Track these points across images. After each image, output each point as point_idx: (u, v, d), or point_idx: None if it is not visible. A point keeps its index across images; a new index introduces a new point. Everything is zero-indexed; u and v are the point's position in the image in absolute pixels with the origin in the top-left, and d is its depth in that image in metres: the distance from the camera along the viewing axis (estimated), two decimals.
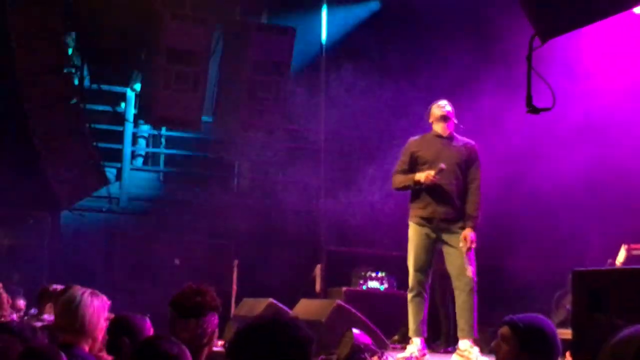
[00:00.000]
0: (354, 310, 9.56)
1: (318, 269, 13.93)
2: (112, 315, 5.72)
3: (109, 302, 5.60)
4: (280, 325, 3.47)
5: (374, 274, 13.36)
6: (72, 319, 5.35)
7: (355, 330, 8.59)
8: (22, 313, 10.22)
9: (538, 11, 5.71)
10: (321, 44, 15.23)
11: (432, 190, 9.12)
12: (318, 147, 15.57)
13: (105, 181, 14.48)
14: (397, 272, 13.59)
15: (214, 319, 5.41)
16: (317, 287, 13.83)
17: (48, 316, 8.09)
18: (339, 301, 9.91)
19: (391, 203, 14.46)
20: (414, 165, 9.28)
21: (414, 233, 9.28)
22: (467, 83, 13.98)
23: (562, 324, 10.79)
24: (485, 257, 10.46)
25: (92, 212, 14.84)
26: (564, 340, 5.19)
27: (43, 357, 4.49)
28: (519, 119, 9.81)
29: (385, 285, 13.33)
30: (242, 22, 15.09)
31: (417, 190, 9.23)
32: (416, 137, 9.49)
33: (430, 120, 9.42)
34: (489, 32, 13.27)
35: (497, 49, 12.83)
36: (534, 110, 5.76)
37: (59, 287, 8.44)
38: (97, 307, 5.43)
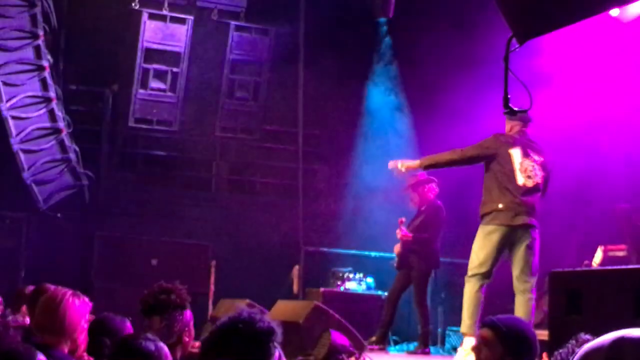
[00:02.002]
0: (331, 312, 9.54)
1: (296, 270, 13.92)
2: (92, 317, 5.68)
3: (90, 304, 5.55)
4: (236, 323, 3.49)
5: (351, 275, 13.37)
6: (52, 319, 5.28)
7: (332, 332, 8.58)
8: None
9: (515, 12, 5.72)
10: (299, 43, 15.21)
11: None
12: (296, 148, 15.56)
13: (82, 182, 14.41)
14: (375, 273, 13.64)
15: (181, 317, 5.37)
16: (295, 288, 13.81)
17: (22, 318, 8.04)
18: (316, 302, 9.90)
19: (372, 203, 14.52)
20: None
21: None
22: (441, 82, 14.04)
23: (538, 326, 10.81)
24: (460, 256, 10.50)
25: (69, 213, 14.75)
26: (540, 342, 5.19)
27: (19, 358, 4.45)
28: (498, 121, 9.82)
29: (363, 286, 13.34)
30: (220, 21, 15.05)
31: None
32: None
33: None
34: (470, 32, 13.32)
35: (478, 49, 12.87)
36: (510, 111, 5.77)
37: (30, 287, 8.40)
38: (78, 308, 5.37)
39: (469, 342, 8.99)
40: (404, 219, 11.74)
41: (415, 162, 9.64)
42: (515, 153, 9.25)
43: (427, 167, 9.72)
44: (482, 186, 9.46)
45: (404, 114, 15.74)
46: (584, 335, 4.64)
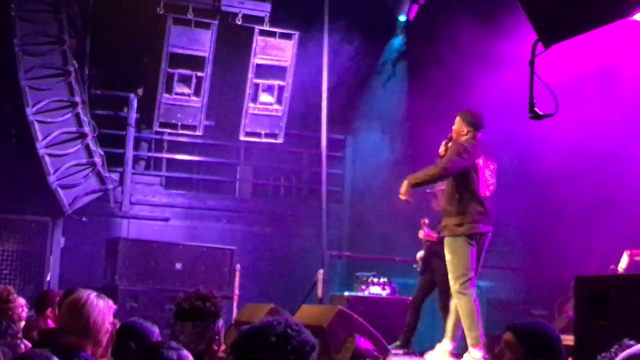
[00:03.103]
0: (355, 316, 9.53)
1: (320, 274, 13.91)
2: (116, 321, 5.70)
3: (114, 307, 5.56)
4: (282, 329, 3.46)
5: (375, 280, 13.34)
6: (77, 320, 5.30)
7: (357, 336, 8.57)
8: (24, 316, 10.21)
9: (541, 16, 5.71)
10: (323, 46, 15.23)
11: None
12: (320, 152, 15.56)
13: (107, 186, 14.47)
14: (399, 277, 13.62)
15: (213, 326, 5.38)
16: (319, 292, 13.80)
17: (45, 321, 8.08)
18: (340, 307, 9.88)
19: (395, 207, 14.48)
20: None
21: None
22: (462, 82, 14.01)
23: (563, 330, 10.77)
24: (483, 261, 10.47)
25: (94, 217, 14.82)
26: (566, 347, 5.17)
27: None
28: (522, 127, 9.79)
29: (387, 291, 13.31)
30: (244, 26, 15.08)
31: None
32: None
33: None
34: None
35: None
36: (536, 116, 5.75)
37: (59, 291, 8.43)
38: (102, 310, 5.38)
39: (477, 353, 9.08)
40: (426, 221, 11.72)
41: (404, 184, 9.54)
42: (480, 162, 9.45)
43: (414, 186, 9.60)
44: (448, 195, 9.56)
45: (425, 116, 15.70)
46: (628, 341, 4.61)
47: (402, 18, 15.67)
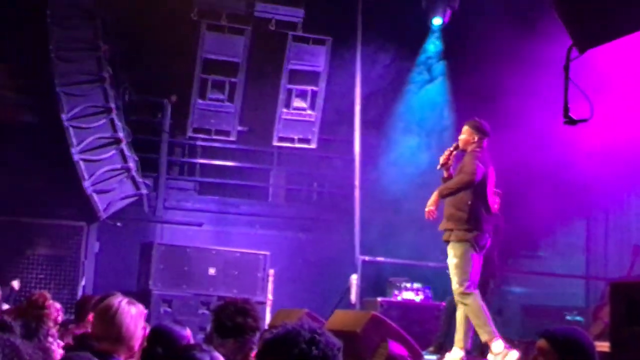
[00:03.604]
0: (389, 321, 9.51)
1: (353, 280, 13.90)
2: (146, 325, 5.71)
3: (145, 311, 5.58)
4: (309, 335, 3.45)
5: (409, 285, 13.32)
6: (109, 327, 5.32)
7: (390, 342, 8.55)
8: (59, 321, 10.27)
9: (575, 21, 5.68)
10: (356, 51, 15.23)
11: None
12: (353, 157, 15.56)
13: (141, 191, 14.54)
14: (432, 282, 13.57)
15: (253, 339, 5.39)
16: (353, 297, 13.79)
17: (85, 327, 8.12)
18: (374, 312, 9.87)
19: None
20: None
21: None
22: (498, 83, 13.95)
23: (599, 337, 10.69)
24: (511, 266, 10.45)
25: (129, 222, 14.91)
26: (602, 354, 5.14)
27: None
28: (555, 130, 9.75)
29: (421, 296, 13.28)
30: (277, 32, 15.12)
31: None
32: None
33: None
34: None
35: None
36: (571, 121, 5.72)
37: (96, 296, 8.47)
38: (134, 316, 5.40)
39: (498, 345, 9.11)
40: None
41: (435, 194, 9.67)
42: (490, 172, 9.63)
43: (445, 196, 9.70)
44: (459, 202, 9.58)
45: (461, 120, 15.64)
46: None
47: (437, 22, 15.63)
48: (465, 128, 9.78)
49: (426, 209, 9.63)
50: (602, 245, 13.70)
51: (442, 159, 9.79)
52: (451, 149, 9.81)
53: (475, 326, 9.51)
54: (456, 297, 9.62)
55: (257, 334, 5.47)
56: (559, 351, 4.90)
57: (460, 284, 9.44)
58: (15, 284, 12.59)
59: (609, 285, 7.26)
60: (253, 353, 5.48)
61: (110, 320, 5.30)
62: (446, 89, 16.07)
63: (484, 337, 9.51)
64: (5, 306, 11.81)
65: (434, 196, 9.62)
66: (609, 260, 14.15)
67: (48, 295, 8.74)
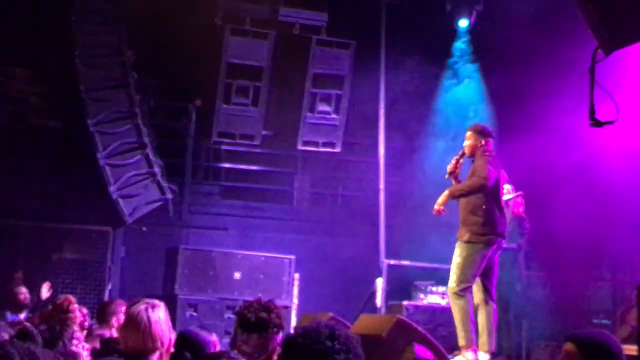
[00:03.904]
0: (414, 325, 9.49)
1: (379, 283, 13.89)
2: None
3: (162, 304, 5.62)
4: (330, 331, 3.47)
5: (434, 288, 13.29)
6: (137, 332, 5.36)
7: (416, 345, 8.53)
8: (86, 325, 10.32)
9: (600, 23, 5.64)
10: (380, 55, 15.23)
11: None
12: (377, 160, 15.55)
13: (166, 195, 14.59)
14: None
15: (276, 337, 5.40)
16: (378, 301, 13.78)
17: (109, 331, 8.15)
18: (399, 316, 9.85)
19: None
20: None
21: None
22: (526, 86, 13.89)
23: (626, 340, 10.62)
24: (544, 269, 10.39)
25: (154, 226, 14.96)
26: (629, 357, 5.10)
27: None
28: (584, 131, 9.71)
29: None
30: (302, 36, 15.13)
31: None
32: None
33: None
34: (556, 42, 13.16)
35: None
36: (597, 123, 5.69)
37: (122, 301, 8.50)
38: (163, 321, 5.44)
39: (470, 355, 9.19)
40: None
41: (445, 194, 9.65)
42: (502, 175, 9.68)
43: (455, 197, 9.71)
44: (474, 206, 9.60)
45: (488, 121, 15.58)
46: None
47: (463, 24, 15.59)
48: (469, 134, 9.79)
49: (435, 207, 9.63)
50: (629, 247, 13.59)
51: (449, 168, 9.81)
52: (457, 157, 9.83)
53: (457, 327, 9.55)
54: (449, 294, 9.69)
55: (281, 333, 5.48)
56: (586, 355, 4.87)
57: (457, 284, 9.50)
58: (44, 290, 12.59)
59: (636, 288, 7.21)
60: (276, 355, 5.49)
61: (138, 326, 5.33)
62: (472, 91, 16.02)
63: (460, 342, 9.54)
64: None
65: (443, 196, 9.61)
66: (635, 262, 14.05)
67: (73, 299, 8.78)
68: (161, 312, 5.44)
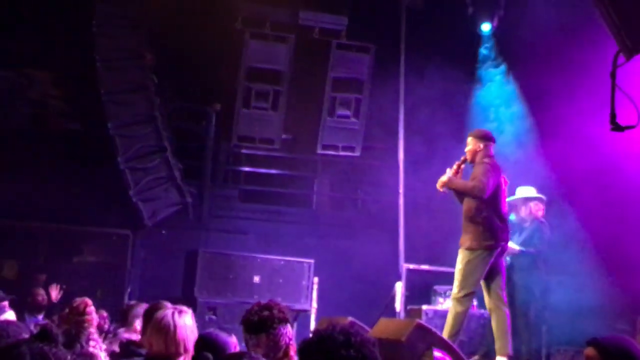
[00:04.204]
0: (434, 330, 9.47)
1: (398, 288, 13.86)
2: None
3: (189, 310, 5.66)
4: (346, 334, 3.46)
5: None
6: (165, 338, 5.40)
7: (435, 350, 8.52)
8: (106, 328, 10.36)
9: (622, 27, 5.62)
10: (400, 59, 15.20)
11: None
12: (397, 164, 15.51)
13: (186, 199, 14.62)
14: (477, 291, 13.49)
15: (285, 331, 5.40)
16: (397, 305, 13.75)
17: (130, 334, 8.17)
18: (418, 320, 9.83)
19: None
20: None
21: None
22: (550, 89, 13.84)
23: None
24: (564, 274, 10.34)
25: (174, 230, 14.99)
26: None
27: None
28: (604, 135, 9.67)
29: None
30: (321, 40, 15.14)
31: None
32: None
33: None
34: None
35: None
36: (618, 127, 5.67)
37: (143, 304, 8.52)
38: (189, 327, 5.48)
39: None
40: None
41: (444, 180, 9.86)
42: (502, 180, 9.75)
43: (449, 188, 9.87)
44: (474, 214, 9.70)
45: (509, 125, 15.53)
46: None
47: (486, 28, 15.55)
48: (469, 139, 9.90)
49: (437, 186, 9.89)
50: None
51: (450, 173, 9.85)
52: (459, 162, 9.88)
53: (445, 331, 9.57)
54: (452, 300, 9.78)
55: (288, 326, 5.47)
56: (607, 358, 4.85)
57: (459, 290, 9.65)
58: (54, 292, 12.57)
59: None
60: (293, 349, 5.48)
61: (165, 332, 5.38)
62: (493, 95, 15.98)
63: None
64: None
65: (443, 181, 9.84)
66: None
67: (89, 301, 8.82)
68: (187, 318, 5.48)
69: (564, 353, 12.91)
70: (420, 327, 9.42)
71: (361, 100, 15.50)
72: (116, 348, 7.54)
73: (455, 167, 9.88)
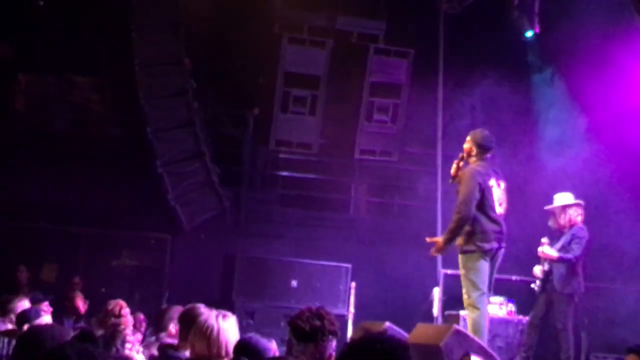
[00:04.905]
0: (472, 336, 9.43)
1: (435, 293, 13.82)
2: None
3: (234, 317, 5.68)
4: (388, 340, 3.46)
5: (491, 299, 13.18)
6: (208, 343, 5.43)
7: (473, 356, 8.48)
8: (142, 330, 10.40)
9: None
10: (439, 64, 15.15)
11: None
12: (435, 169, 15.47)
13: (224, 203, 14.67)
14: (515, 296, 13.43)
15: (331, 344, 5.40)
16: (435, 311, 13.71)
17: (168, 336, 8.20)
18: (457, 326, 9.80)
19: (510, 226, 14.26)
20: None
21: None
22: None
23: None
24: (595, 279, 10.27)
25: (211, 234, 15.03)
26: None
27: None
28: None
29: (504, 310, 13.14)
30: (359, 44, 15.13)
31: None
32: None
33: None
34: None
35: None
36: None
37: (179, 307, 8.55)
38: (230, 330, 5.51)
39: None
40: (547, 240, 11.59)
41: (439, 244, 9.89)
42: (493, 183, 9.69)
43: (450, 242, 9.81)
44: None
45: (554, 129, 15.41)
46: None
47: (529, 34, 15.45)
48: (468, 138, 9.92)
49: (432, 252, 10.02)
50: None
51: (452, 171, 9.91)
52: (458, 160, 9.91)
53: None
54: (465, 307, 9.75)
55: (335, 340, 5.47)
56: None
57: (469, 295, 9.60)
58: (80, 303, 12.56)
59: None
60: None
61: (208, 337, 5.41)
62: (533, 100, 15.89)
63: None
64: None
65: (439, 245, 9.89)
66: None
67: (124, 303, 8.87)
68: (230, 322, 5.52)
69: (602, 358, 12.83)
70: (458, 333, 9.38)
71: (399, 105, 15.47)
72: (155, 352, 7.58)
73: (455, 165, 9.92)
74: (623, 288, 14.30)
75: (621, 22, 12.60)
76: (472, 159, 9.80)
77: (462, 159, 9.89)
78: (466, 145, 9.88)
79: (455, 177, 9.89)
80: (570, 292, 11.52)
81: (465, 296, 9.66)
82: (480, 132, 10.00)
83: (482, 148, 9.81)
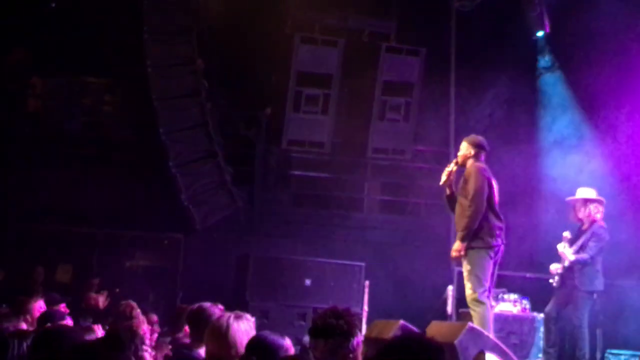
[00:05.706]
0: (486, 333, 9.42)
1: (449, 291, 13.81)
2: None
3: (253, 319, 5.68)
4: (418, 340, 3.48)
5: (506, 296, 13.17)
6: (222, 345, 5.45)
7: (487, 353, 8.47)
8: (156, 330, 10.41)
9: None
10: (451, 62, 15.13)
11: None
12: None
13: (236, 202, 14.68)
14: (530, 293, 13.40)
15: (346, 344, 5.37)
16: (449, 308, 13.70)
17: (185, 336, 8.22)
18: (471, 323, 9.80)
19: (525, 224, 14.26)
20: None
21: None
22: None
23: None
24: (610, 275, 10.25)
25: (225, 233, 15.05)
26: None
27: None
28: None
29: (519, 307, 13.12)
30: (371, 43, 15.14)
31: None
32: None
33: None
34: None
35: None
36: None
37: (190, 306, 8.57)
38: (246, 331, 5.51)
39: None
40: (569, 234, 11.55)
41: (459, 244, 9.76)
42: (494, 182, 9.76)
43: (467, 237, 9.68)
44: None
45: (563, 129, 15.39)
46: None
47: (540, 33, 15.43)
48: (463, 144, 10.01)
49: (453, 254, 9.78)
50: None
51: (444, 176, 9.94)
52: (451, 165, 9.95)
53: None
54: (468, 303, 9.73)
55: (351, 340, 5.45)
56: None
57: (474, 290, 9.61)
58: (101, 299, 12.58)
59: None
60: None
61: (223, 339, 5.42)
62: (546, 98, 15.86)
63: None
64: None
65: (459, 246, 9.71)
66: None
67: (134, 304, 8.88)
68: (245, 323, 5.52)
69: (618, 356, 12.77)
70: (472, 330, 9.37)
71: (411, 103, 15.47)
72: (169, 352, 7.59)
73: (447, 170, 9.96)
74: (638, 284, 14.27)
75: (634, 20, 12.57)
76: (470, 162, 9.86)
77: (456, 164, 9.97)
78: (462, 151, 9.95)
79: (447, 181, 9.95)
80: (590, 290, 11.49)
81: (470, 292, 9.68)
82: (475, 136, 10.16)
83: (480, 148, 9.90)
